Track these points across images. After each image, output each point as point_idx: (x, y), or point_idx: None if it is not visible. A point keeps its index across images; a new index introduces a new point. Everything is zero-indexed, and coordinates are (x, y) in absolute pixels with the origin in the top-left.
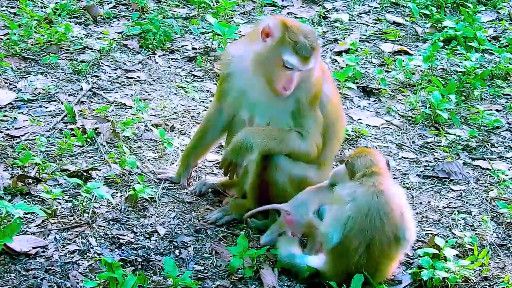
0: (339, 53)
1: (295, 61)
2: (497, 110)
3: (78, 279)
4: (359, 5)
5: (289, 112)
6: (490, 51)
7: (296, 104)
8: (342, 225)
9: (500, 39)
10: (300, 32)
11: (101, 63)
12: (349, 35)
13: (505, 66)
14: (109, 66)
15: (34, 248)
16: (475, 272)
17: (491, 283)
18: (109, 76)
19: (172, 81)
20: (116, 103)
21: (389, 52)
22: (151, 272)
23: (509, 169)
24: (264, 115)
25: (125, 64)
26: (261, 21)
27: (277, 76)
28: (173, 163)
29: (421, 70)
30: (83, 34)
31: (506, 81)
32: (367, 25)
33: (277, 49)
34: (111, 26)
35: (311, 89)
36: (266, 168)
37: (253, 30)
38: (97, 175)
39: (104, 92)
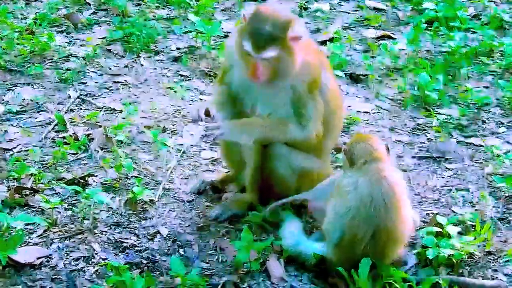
0: (323, 43)
1: (250, 48)
2: (484, 87)
3: (85, 286)
4: None
5: (288, 100)
6: (472, 30)
7: (293, 92)
8: (343, 218)
9: (480, 17)
10: (263, 19)
11: (87, 69)
12: (331, 24)
13: (488, 43)
14: (95, 72)
15: (38, 258)
16: (478, 247)
17: (496, 257)
18: (96, 82)
19: (159, 82)
20: (105, 108)
21: (373, 38)
22: (158, 273)
23: (502, 144)
24: (266, 106)
25: (110, 69)
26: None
27: (246, 63)
28: (168, 164)
29: (406, 53)
30: (66, 42)
31: (490, 58)
32: (348, 13)
33: (241, 36)
34: (93, 32)
35: (307, 77)
36: (266, 160)
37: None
38: (93, 181)
39: (92, 98)
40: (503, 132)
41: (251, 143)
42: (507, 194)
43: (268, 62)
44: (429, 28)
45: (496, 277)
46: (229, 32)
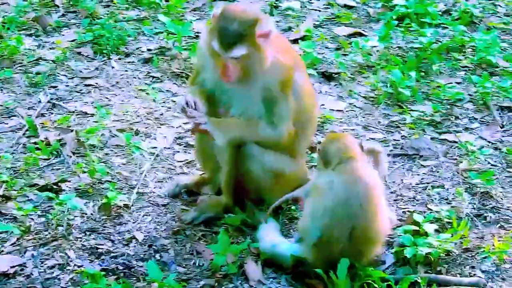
0: (295, 41)
1: (218, 48)
2: (457, 83)
3: None
4: None
5: (260, 100)
6: (443, 25)
7: (265, 92)
8: (320, 219)
9: (451, 12)
10: (230, 18)
11: (57, 73)
12: (302, 22)
13: (459, 39)
14: (66, 76)
15: (12, 267)
16: (456, 244)
17: (473, 254)
18: (67, 86)
19: (131, 84)
20: (77, 112)
21: (344, 36)
22: (134, 279)
23: (476, 140)
24: (238, 106)
25: (81, 72)
26: None
27: (217, 63)
28: (141, 167)
29: (377, 50)
30: (35, 45)
31: (462, 53)
32: (319, 11)
33: (210, 36)
34: (63, 35)
35: (279, 76)
36: (240, 161)
37: None
38: (67, 186)
39: (63, 102)
40: (476, 128)
41: (223, 143)
42: (482, 190)
43: (237, 61)
44: (400, 25)
45: (474, 274)
46: (200, 32)
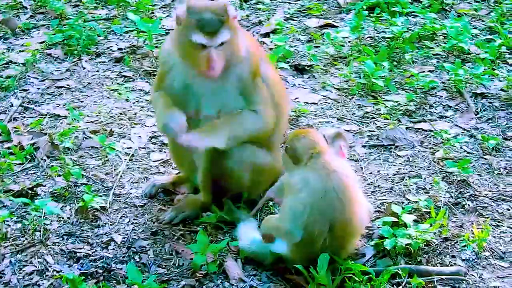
0: (266, 35)
1: (202, 39)
2: (430, 71)
3: None
4: None
5: (237, 91)
6: (414, 14)
7: (240, 81)
8: (301, 217)
9: (421, 0)
10: (203, 9)
11: (28, 76)
12: (273, 16)
13: (431, 27)
14: (37, 78)
15: None
16: (435, 234)
17: (453, 242)
18: (38, 88)
19: (103, 85)
20: (50, 115)
21: (315, 27)
22: (114, 282)
23: (451, 128)
24: (213, 105)
25: (52, 73)
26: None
27: (197, 58)
28: (117, 169)
29: (349, 41)
30: (4, 48)
31: (434, 41)
32: (289, 3)
33: (185, 32)
34: (32, 37)
35: (250, 63)
36: (217, 158)
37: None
38: (42, 191)
39: (35, 105)
40: (451, 116)
41: (224, 146)
42: (459, 179)
43: (221, 49)
44: (371, 15)
45: (455, 263)
46: (171, 29)
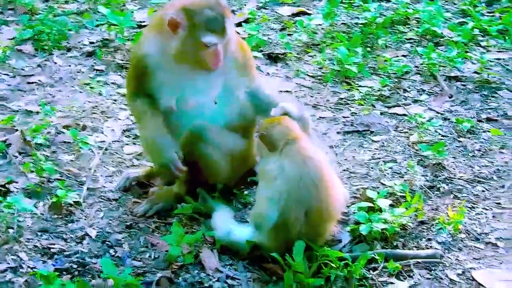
0: (239, 24)
1: (215, 39)
2: (403, 56)
3: None
4: None
5: (236, 75)
6: None
7: (237, 65)
8: (277, 202)
9: None
10: (204, 9)
11: None
12: (245, 5)
13: (403, 11)
14: (7, 75)
15: None
16: (411, 218)
17: (428, 226)
18: (9, 85)
19: (75, 79)
20: (21, 111)
21: (288, 16)
22: (90, 276)
23: (425, 112)
24: (211, 93)
25: (23, 69)
26: (162, 11)
27: (205, 57)
28: (90, 163)
29: (322, 28)
30: None
31: (407, 26)
32: None
33: (194, 36)
34: (1, 33)
35: (238, 46)
36: (193, 147)
37: (156, 21)
38: (15, 188)
39: (6, 102)
40: (425, 99)
41: None
42: (434, 162)
43: (225, 43)
44: (344, 1)
45: (431, 246)
46: (143, 22)
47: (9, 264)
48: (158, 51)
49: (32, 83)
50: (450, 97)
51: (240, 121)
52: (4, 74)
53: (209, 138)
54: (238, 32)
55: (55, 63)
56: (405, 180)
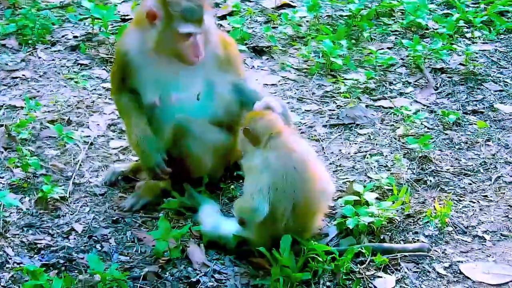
0: (223, 17)
1: (192, 28)
2: (388, 48)
3: None
4: None
5: (217, 69)
6: None
7: (217, 59)
8: (266, 196)
9: None
10: None
11: None
12: None
13: (388, 3)
14: None
15: None
16: (397, 211)
17: (415, 219)
18: None
19: (59, 73)
20: (5, 106)
21: (273, 8)
22: (76, 271)
23: (411, 104)
24: (193, 89)
25: (7, 64)
26: (142, 4)
27: (183, 49)
28: (76, 158)
29: (307, 21)
30: None
31: (391, 18)
32: None
33: (170, 27)
34: None
35: (216, 39)
36: (178, 141)
37: (137, 15)
38: (0, 183)
39: None
40: (410, 92)
41: None
42: (420, 155)
43: (202, 33)
44: None
45: (418, 239)
46: (127, 15)
47: None
48: (140, 47)
49: (16, 78)
50: (435, 89)
51: (224, 115)
52: None
53: (192, 132)
54: (222, 25)
55: (39, 57)
56: (391, 173)
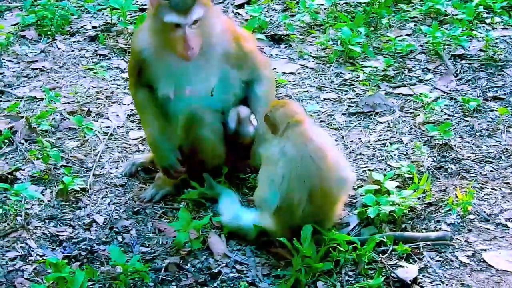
0: (241, 6)
1: (175, 18)
2: (407, 35)
3: (25, 286)
4: None
5: (229, 67)
6: None
7: (228, 56)
8: (278, 186)
9: None
10: None
11: (2, 59)
12: None
13: None
14: (11, 61)
15: None
16: (418, 200)
17: (437, 207)
18: (14, 71)
19: (78, 64)
20: (26, 98)
21: None
22: (98, 263)
23: (431, 91)
24: (204, 85)
25: (27, 55)
26: None
27: (174, 41)
28: (96, 149)
29: (325, 9)
30: None
31: (410, 4)
32: None
33: (158, 15)
34: (5, 19)
35: (228, 37)
36: (191, 131)
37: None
38: (22, 175)
39: (11, 89)
40: (430, 79)
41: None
42: (441, 142)
43: (196, 27)
44: None
45: (440, 228)
46: (145, 5)
47: (18, 252)
48: (151, 42)
49: (36, 69)
50: (455, 76)
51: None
52: (8, 61)
53: (204, 120)
54: (240, 14)
55: (59, 48)
56: (412, 161)
